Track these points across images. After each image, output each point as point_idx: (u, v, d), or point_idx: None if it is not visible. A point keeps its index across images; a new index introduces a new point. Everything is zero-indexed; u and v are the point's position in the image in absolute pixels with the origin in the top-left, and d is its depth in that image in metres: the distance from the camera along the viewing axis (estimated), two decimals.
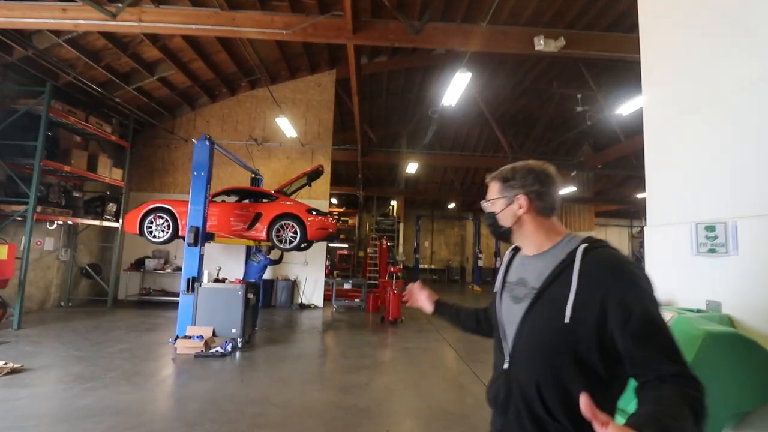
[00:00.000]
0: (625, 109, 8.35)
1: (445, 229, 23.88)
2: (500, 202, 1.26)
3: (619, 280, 1.02)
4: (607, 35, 5.54)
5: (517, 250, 1.36)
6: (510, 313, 1.23)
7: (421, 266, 20.02)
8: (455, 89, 6.54)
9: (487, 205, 1.31)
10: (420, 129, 15.65)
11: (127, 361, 5.29)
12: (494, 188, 1.29)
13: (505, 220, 1.26)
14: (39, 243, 8.43)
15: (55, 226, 8.69)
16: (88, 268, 9.88)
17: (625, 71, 11.04)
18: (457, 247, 23.84)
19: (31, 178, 7.05)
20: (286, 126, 9.68)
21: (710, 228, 1.82)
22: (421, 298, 1.65)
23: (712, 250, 1.81)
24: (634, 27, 8.29)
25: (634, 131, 11.74)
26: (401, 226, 20.00)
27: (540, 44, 4.78)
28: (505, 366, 1.20)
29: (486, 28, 5.08)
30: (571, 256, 1.12)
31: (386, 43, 5.37)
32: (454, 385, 5.00)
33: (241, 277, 7.69)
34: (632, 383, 1.06)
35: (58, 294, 9.23)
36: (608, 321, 1.01)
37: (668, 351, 0.98)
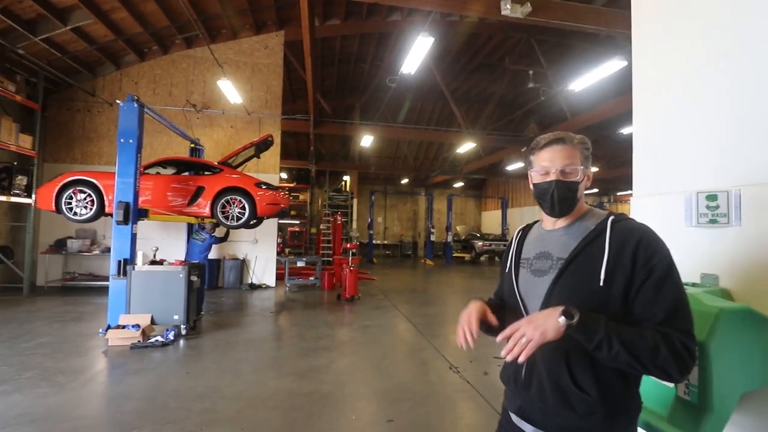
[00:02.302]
0: (577, 84, 8.51)
1: (397, 205, 23.91)
2: (581, 172, 1.18)
3: (647, 246, 1.08)
4: (569, 4, 5.44)
5: (526, 229, 1.38)
6: (532, 287, 1.21)
7: (374, 242, 19.93)
8: (416, 55, 6.18)
9: (566, 173, 1.17)
10: (374, 100, 15.15)
11: (48, 358, 4.59)
12: (576, 156, 1.18)
13: (581, 191, 1.21)
14: None
15: None
16: None
17: (574, 49, 11.29)
18: (409, 222, 24.03)
19: None
20: (229, 90, 8.79)
21: (712, 197, 1.70)
22: (475, 323, 1.22)
23: (713, 221, 1.70)
24: None
25: (580, 110, 12.18)
26: (355, 201, 19.65)
27: (507, 8, 4.56)
28: None
29: None
30: (601, 226, 1.16)
31: None
32: (416, 363, 4.91)
33: (183, 258, 6.99)
34: None
35: None
36: (635, 281, 1.06)
37: (675, 312, 1.03)
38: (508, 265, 1.33)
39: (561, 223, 1.23)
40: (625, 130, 13.04)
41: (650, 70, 2.16)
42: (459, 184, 23.97)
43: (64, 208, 6.63)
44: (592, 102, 11.95)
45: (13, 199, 8.16)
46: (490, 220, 23.55)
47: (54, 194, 6.60)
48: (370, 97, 15.01)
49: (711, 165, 1.79)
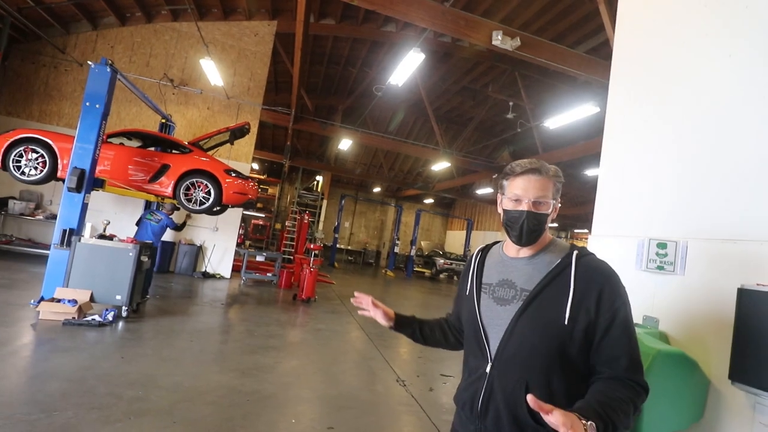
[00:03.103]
0: (552, 122, 8.93)
1: (366, 212, 23.92)
2: (551, 204, 1.19)
3: (611, 287, 1.11)
4: (556, 46, 5.75)
5: (485, 250, 1.36)
6: (494, 316, 1.20)
7: (338, 246, 19.78)
8: (405, 68, 6.28)
9: (537, 204, 1.17)
10: (358, 106, 15.18)
11: None
12: (550, 188, 1.19)
13: (548, 223, 1.21)
14: None
15: None
16: None
17: (552, 88, 11.86)
18: (375, 231, 24.08)
19: None
20: (211, 71, 8.53)
21: (662, 245, 1.82)
22: (378, 314, 1.49)
23: (660, 267, 1.82)
24: (577, 43, 8.81)
25: (552, 146, 12.76)
26: (324, 202, 19.48)
27: (498, 39, 4.73)
28: (488, 369, 1.17)
29: (449, 10, 4.88)
30: (566, 260, 1.16)
31: None
32: (365, 371, 4.88)
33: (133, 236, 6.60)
34: None
35: None
36: (599, 323, 1.09)
37: (634, 358, 1.08)
38: (468, 287, 1.30)
39: (525, 252, 1.21)
40: (589, 172, 13.78)
41: (620, 121, 2.31)
42: (429, 201, 24.35)
43: (11, 165, 6.13)
44: (563, 140, 12.58)
45: None
46: (454, 240, 24.03)
47: (2, 149, 6.10)
48: (355, 101, 15.04)
49: (664, 215, 1.93)
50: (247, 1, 9.46)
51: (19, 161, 6.19)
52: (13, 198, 8.64)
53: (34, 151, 6.21)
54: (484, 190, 17.91)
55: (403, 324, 1.50)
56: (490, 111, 14.13)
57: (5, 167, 6.18)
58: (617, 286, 1.12)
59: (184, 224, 8.18)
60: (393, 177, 21.23)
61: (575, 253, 1.16)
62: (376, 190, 23.29)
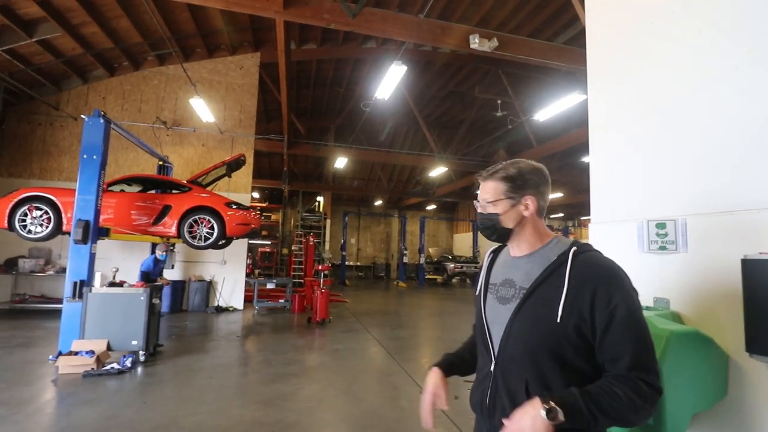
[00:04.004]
0: (541, 115, 8.98)
1: (371, 226, 23.95)
2: (504, 203, 1.22)
3: (608, 283, 1.07)
4: (533, 41, 5.83)
5: (497, 251, 1.38)
6: (496, 314, 1.23)
7: (347, 263, 19.77)
8: (389, 82, 6.38)
9: (485, 206, 1.24)
10: (349, 123, 15.35)
11: None
12: (494, 188, 1.23)
13: (508, 222, 1.23)
14: None
15: None
16: None
17: (537, 82, 11.96)
18: (382, 244, 24.07)
19: None
20: (201, 109, 8.70)
21: (661, 225, 1.82)
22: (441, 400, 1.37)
23: (662, 248, 1.82)
24: (555, 35, 8.92)
25: (545, 137, 12.80)
26: (328, 222, 19.55)
27: (475, 42, 4.81)
28: (491, 368, 1.20)
29: (424, 21, 4.98)
30: (562, 257, 1.15)
31: (320, 23, 4.98)
32: (387, 387, 4.83)
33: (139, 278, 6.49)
34: None
35: None
36: (595, 320, 1.06)
37: (640, 356, 1.03)
38: (478, 289, 1.34)
39: (523, 250, 1.24)
40: (586, 159, 13.75)
41: (603, 108, 2.33)
42: (432, 207, 24.37)
43: (17, 225, 6.24)
44: (556, 131, 12.61)
45: None
46: (462, 243, 23.94)
47: (7, 211, 6.22)
48: (345, 119, 15.21)
49: (660, 195, 1.93)
50: (229, 37, 9.69)
51: (25, 220, 6.30)
52: (23, 257, 8.76)
53: (38, 208, 6.33)
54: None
55: (452, 370, 1.43)
56: (480, 111, 14.23)
57: (11, 228, 6.28)
58: (615, 284, 1.07)
59: (172, 266, 8.19)
60: (392, 188, 21.32)
61: (573, 249, 1.14)
62: (378, 203, 23.36)
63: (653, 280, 1.89)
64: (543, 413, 0.97)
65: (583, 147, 12.33)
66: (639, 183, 2.06)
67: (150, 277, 6.33)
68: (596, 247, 1.21)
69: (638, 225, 1.97)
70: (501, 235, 1.24)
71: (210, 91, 10.08)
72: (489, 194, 1.23)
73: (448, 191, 18.32)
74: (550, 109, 8.64)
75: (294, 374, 5.15)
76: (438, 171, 14.83)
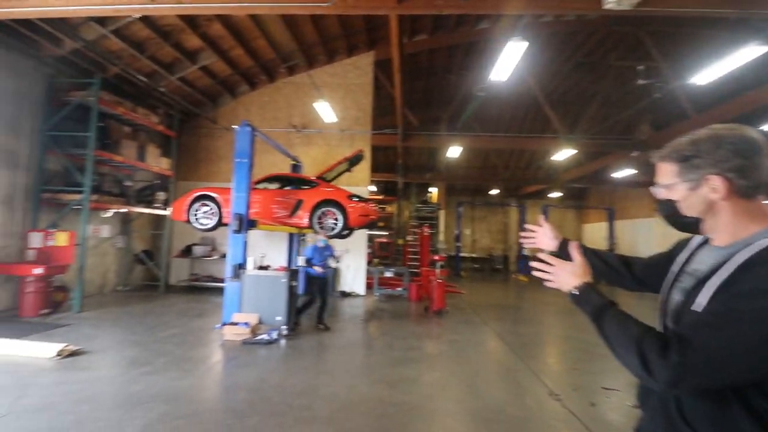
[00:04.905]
0: (701, 77, 7.36)
1: (487, 216, 23.09)
2: (681, 187, 1.02)
3: (756, 277, 0.86)
4: None
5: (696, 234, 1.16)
6: (673, 307, 1.09)
7: (462, 254, 19.47)
8: (507, 61, 5.97)
9: (660, 191, 1.07)
10: (461, 112, 14.97)
11: (178, 347, 5.35)
12: (667, 170, 1.04)
13: (691, 209, 1.02)
14: (96, 230, 8.82)
15: (110, 214, 9.05)
16: (141, 254, 10.31)
17: (693, 38, 9.85)
18: (500, 235, 23.02)
19: (85, 168, 7.29)
20: (325, 110, 9.46)
21: None
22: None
23: None
24: None
25: (705, 105, 10.50)
26: (442, 213, 19.50)
27: (611, 1, 4.16)
28: None
29: None
30: (745, 257, 0.91)
31: (433, 11, 4.93)
32: (510, 383, 4.62)
33: (305, 260, 6.81)
34: None
35: (115, 279, 9.70)
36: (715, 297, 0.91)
37: (695, 342, 0.86)
38: (672, 270, 1.16)
39: (723, 240, 1.02)
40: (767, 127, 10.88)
41: None
42: (556, 194, 22.32)
43: (192, 219, 7.72)
44: (722, 95, 10.24)
45: (155, 212, 9.80)
46: (594, 233, 21.37)
47: (186, 207, 7.74)
48: (457, 107, 14.88)
49: None
50: (346, 41, 10.32)
51: (197, 214, 7.76)
52: (196, 244, 10.84)
53: (206, 205, 7.72)
54: (623, 172, 15.53)
55: (588, 255, 1.33)
56: (615, 82, 12.41)
57: (189, 221, 7.80)
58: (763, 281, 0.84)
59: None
60: (510, 176, 20.15)
61: (762, 249, 0.90)
62: (494, 192, 22.37)
63: None
64: (575, 285, 1.11)
65: (763, 111, 9.77)
66: None
67: (312, 263, 6.64)
68: None
69: None
70: (686, 224, 1.05)
71: (331, 93, 10.90)
72: (663, 178, 1.06)
73: (575, 176, 16.54)
74: (714, 70, 7.01)
75: (414, 360, 5.30)
76: (563, 154, 13.44)
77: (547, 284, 1.18)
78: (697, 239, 1.13)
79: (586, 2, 4.69)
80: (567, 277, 1.13)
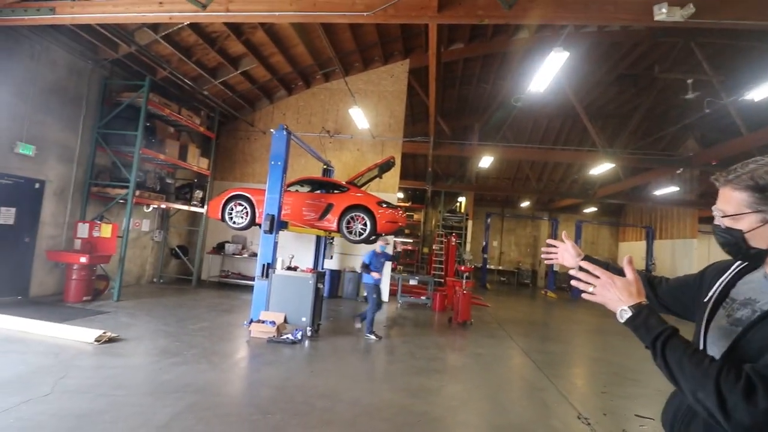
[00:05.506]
0: (757, 93, 6.97)
1: (516, 229, 22.58)
2: (750, 218, 0.97)
3: None
4: None
5: (757, 265, 1.08)
6: (720, 335, 1.03)
7: (488, 267, 19.09)
8: (547, 71, 5.87)
9: (724, 220, 1.01)
10: (495, 121, 14.78)
11: (207, 340, 5.52)
12: (735, 198, 0.98)
13: (758, 241, 0.97)
14: (137, 224, 9.29)
15: (150, 209, 9.51)
16: (177, 249, 10.75)
17: (749, 51, 9.32)
18: (528, 249, 22.42)
19: (131, 164, 7.72)
20: (358, 117, 9.59)
21: None
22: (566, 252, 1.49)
23: None
24: None
25: (760, 122, 9.88)
26: (469, 223, 19.23)
27: (662, 12, 3.99)
28: None
29: (593, 0, 4.41)
30: None
31: (474, 20, 4.91)
32: (536, 402, 4.47)
33: (366, 262, 6.82)
34: None
35: (152, 271, 10.15)
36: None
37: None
38: (708, 295, 1.11)
39: None
40: None
41: None
42: (590, 209, 21.56)
43: (227, 217, 7.99)
44: None
45: (192, 209, 10.21)
46: (630, 252, 20.39)
47: (221, 206, 8.02)
48: (491, 116, 14.70)
49: None
50: (382, 49, 10.45)
51: (231, 213, 8.02)
52: (228, 242, 11.19)
53: (240, 204, 7.97)
54: (664, 190, 14.81)
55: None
56: (660, 95, 11.91)
57: (223, 219, 8.08)
58: None
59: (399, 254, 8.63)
60: (542, 188, 19.63)
61: None
62: (524, 204, 21.87)
63: None
64: (626, 306, 1.03)
65: None
66: None
67: (370, 269, 6.65)
68: None
69: None
70: (749, 256, 1.00)
71: (365, 100, 11.05)
72: (729, 205, 1.00)
73: (613, 192, 15.90)
74: None
75: (437, 371, 5.23)
76: (601, 168, 12.98)
77: (587, 297, 1.09)
78: (736, 263, 1.08)
79: (635, 14, 4.53)
80: (618, 293, 1.04)
